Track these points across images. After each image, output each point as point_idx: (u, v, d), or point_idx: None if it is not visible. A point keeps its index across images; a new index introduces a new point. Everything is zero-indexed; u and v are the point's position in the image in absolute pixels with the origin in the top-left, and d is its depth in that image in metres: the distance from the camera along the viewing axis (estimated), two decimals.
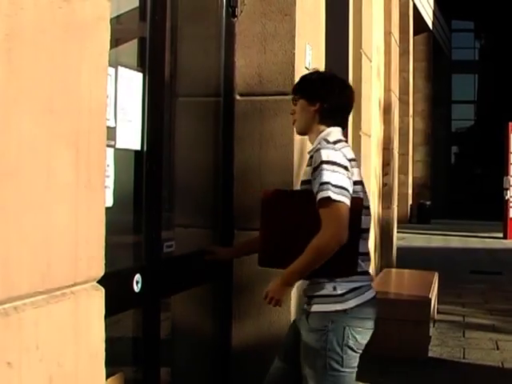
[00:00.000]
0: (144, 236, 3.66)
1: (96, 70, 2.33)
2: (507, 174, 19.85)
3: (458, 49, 36.67)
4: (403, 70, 17.89)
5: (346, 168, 3.25)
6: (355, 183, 3.33)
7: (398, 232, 12.26)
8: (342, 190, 3.19)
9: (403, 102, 18.45)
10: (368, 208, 3.54)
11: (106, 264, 2.42)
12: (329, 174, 3.19)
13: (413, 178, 24.77)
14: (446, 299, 9.43)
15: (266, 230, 3.47)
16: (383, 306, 7.06)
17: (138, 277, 3.49)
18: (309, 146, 4.77)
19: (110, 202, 3.15)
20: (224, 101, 4.60)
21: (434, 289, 8.16)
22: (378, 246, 10.00)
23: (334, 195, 3.16)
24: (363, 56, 7.90)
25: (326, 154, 3.24)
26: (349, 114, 3.66)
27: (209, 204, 4.60)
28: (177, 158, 4.60)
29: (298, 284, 4.59)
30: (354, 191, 3.29)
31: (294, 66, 4.48)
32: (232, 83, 4.62)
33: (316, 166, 3.25)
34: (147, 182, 3.64)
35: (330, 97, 3.47)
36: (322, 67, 5.45)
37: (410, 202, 24.08)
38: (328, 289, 3.34)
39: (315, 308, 3.39)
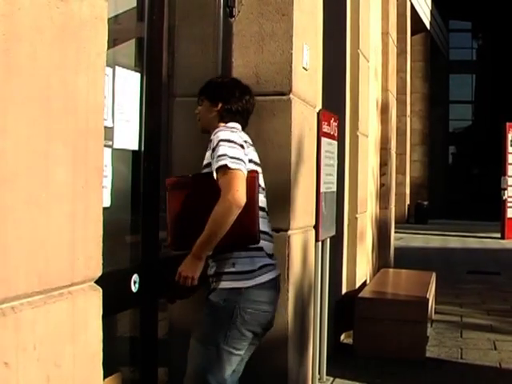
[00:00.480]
0: (141, 236, 3.66)
1: (93, 70, 2.33)
2: (505, 174, 19.86)
3: (456, 49, 36.68)
4: (401, 70, 17.87)
5: (241, 146, 3.48)
6: (250, 161, 3.55)
7: (395, 232, 12.26)
8: (239, 161, 3.39)
9: (401, 101, 18.44)
10: (264, 189, 3.75)
11: (103, 264, 2.42)
12: (226, 148, 3.41)
13: (410, 178, 24.78)
14: (443, 299, 9.43)
15: (172, 215, 3.56)
16: (380, 307, 7.11)
17: (135, 277, 3.49)
18: (306, 146, 4.78)
19: (107, 202, 3.15)
20: None
21: (432, 289, 8.16)
22: (375, 246, 10.00)
23: (230, 163, 3.35)
24: (361, 56, 7.90)
25: (223, 135, 3.48)
26: (248, 116, 3.84)
27: None
28: (174, 157, 4.60)
29: (296, 285, 4.59)
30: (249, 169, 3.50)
31: (291, 66, 4.48)
32: None
33: (214, 147, 3.46)
34: (145, 182, 3.64)
35: (230, 99, 3.72)
36: (319, 67, 5.46)
37: (407, 202, 24.09)
38: (227, 265, 3.50)
39: (215, 285, 3.54)
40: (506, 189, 19.86)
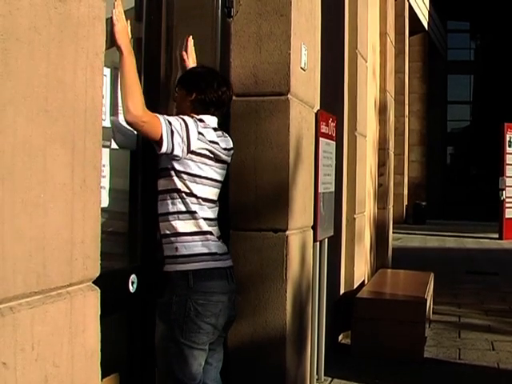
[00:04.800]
0: (139, 236, 3.66)
1: (91, 70, 2.33)
2: (503, 174, 19.86)
3: (454, 49, 36.67)
4: (399, 70, 17.90)
5: (188, 127, 3.49)
6: (200, 155, 3.55)
7: (393, 232, 12.26)
8: (170, 127, 3.42)
9: (399, 102, 18.46)
10: (214, 181, 3.70)
11: (101, 264, 2.42)
12: (173, 118, 3.49)
13: (408, 178, 24.77)
14: (441, 300, 9.43)
15: None
16: (379, 307, 7.11)
17: (133, 277, 3.50)
18: (304, 147, 4.78)
19: (105, 203, 3.15)
20: None
21: (430, 289, 8.16)
22: (373, 246, 10.01)
23: (160, 117, 3.43)
24: (359, 56, 7.90)
25: (182, 116, 3.55)
26: (223, 108, 3.85)
27: None
28: None
29: (294, 286, 4.59)
30: (198, 162, 3.54)
31: (289, 67, 4.48)
32: None
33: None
34: (143, 182, 3.64)
35: (205, 90, 3.69)
36: (317, 67, 5.46)
37: (405, 202, 24.08)
38: (171, 250, 3.54)
39: (165, 268, 3.58)
40: (504, 189, 19.85)
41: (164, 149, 3.43)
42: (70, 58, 2.20)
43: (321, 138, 5.44)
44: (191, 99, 3.69)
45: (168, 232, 3.55)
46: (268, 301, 4.43)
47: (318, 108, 5.54)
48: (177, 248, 3.53)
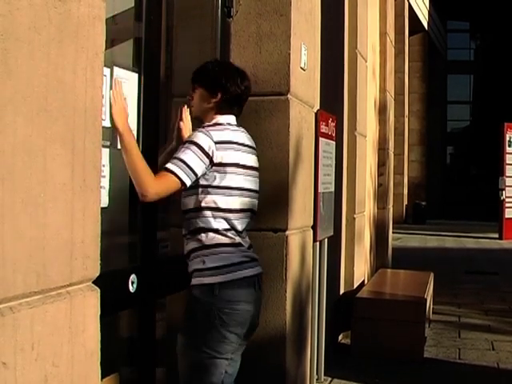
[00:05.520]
0: (139, 236, 3.66)
1: (91, 70, 2.33)
2: (503, 174, 19.86)
3: (454, 49, 36.69)
4: (399, 70, 17.90)
5: (203, 150, 3.37)
6: (225, 165, 3.43)
7: (393, 232, 12.27)
8: (184, 166, 3.33)
9: (398, 102, 18.46)
10: (245, 190, 3.56)
11: (101, 264, 2.42)
12: (182, 151, 3.37)
13: (408, 178, 24.78)
14: (441, 299, 9.43)
15: None
16: (378, 307, 7.11)
17: (133, 277, 3.49)
18: (304, 147, 4.78)
19: (105, 203, 3.15)
20: None
21: (430, 289, 8.16)
22: (373, 246, 10.01)
23: (171, 166, 3.33)
24: (358, 56, 7.90)
25: (198, 136, 3.40)
26: (245, 103, 3.71)
27: None
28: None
29: (294, 286, 4.59)
30: (223, 172, 3.42)
31: (289, 67, 4.48)
32: None
33: (184, 141, 3.47)
34: None
35: (230, 87, 3.56)
36: (317, 67, 5.46)
37: (405, 202, 24.09)
38: (198, 263, 3.45)
39: (192, 282, 3.49)
40: (503, 189, 19.86)
41: (190, 183, 3.38)
42: (70, 58, 2.20)
43: (321, 138, 5.44)
44: (216, 100, 3.56)
45: (196, 247, 3.46)
46: (268, 301, 4.43)
47: (318, 108, 5.54)
48: (204, 261, 3.43)
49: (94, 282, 2.39)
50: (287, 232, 4.48)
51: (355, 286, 7.88)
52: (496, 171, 20.58)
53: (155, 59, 3.75)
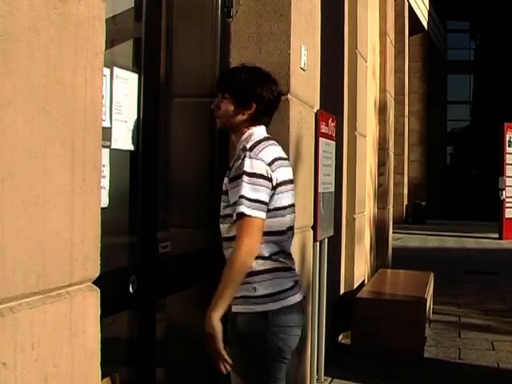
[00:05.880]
0: (139, 236, 3.66)
1: (91, 71, 2.33)
2: (503, 174, 19.86)
3: (454, 49, 36.69)
4: (398, 70, 17.90)
5: (264, 177, 3.18)
6: (279, 184, 3.27)
7: (393, 232, 12.27)
8: (259, 205, 3.15)
9: (398, 102, 18.46)
10: (290, 206, 3.43)
11: (101, 264, 2.42)
12: (246, 188, 3.14)
13: (408, 178, 24.77)
14: (441, 299, 9.43)
15: None
16: (378, 307, 7.11)
17: (133, 277, 3.49)
18: (304, 147, 4.78)
19: (105, 203, 3.15)
20: None
21: (430, 289, 8.16)
22: (373, 246, 10.01)
23: (248, 210, 3.12)
24: (358, 56, 7.90)
25: (248, 165, 3.16)
26: (276, 110, 3.51)
27: (204, 204, 4.60)
28: (172, 158, 4.59)
29: None
30: (278, 193, 3.26)
31: (289, 67, 4.48)
32: None
33: (235, 176, 3.19)
34: (142, 182, 3.64)
35: (264, 98, 3.35)
36: (317, 67, 5.46)
37: (405, 202, 24.09)
38: (249, 290, 3.26)
39: (237, 309, 3.30)
40: (503, 189, 19.86)
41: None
42: (70, 59, 2.20)
43: (321, 138, 5.45)
44: (250, 112, 3.33)
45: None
46: None
47: (318, 108, 5.54)
48: (255, 288, 3.24)
49: (94, 283, 2.39)
50: None
51: (355, 286, 7.88)
52: (496, 171, 20.58)
53: (155, 59, 3.74)
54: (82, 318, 2.30)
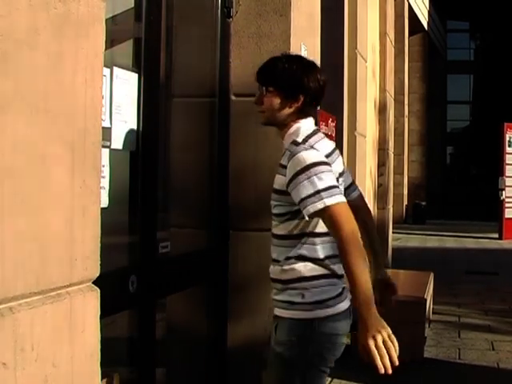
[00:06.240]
0: (139, 236, 3.66)
1: (91, 71, 2.33)
2: (502, 174, 19.85)
3: (454, 49, 36.68)
4: (398, 70, 17.90)
5: (324, 163, 2.98)
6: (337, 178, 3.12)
7: (393, 232, 12.28)
8: (332, 190, 2.93)
9: (398, 102, 18.46)
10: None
11: (101, 264, 2.42)
12: (315, 181, 2.92)
13: (408, 178, 24.76)
14: (441, 299, 9.42)
15: None
16: (378, 307, 7.10)
17: (133, 277, 3.49)
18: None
19: (105, 203, 3.15)
20: (219, 101, 4.60)
21: (430, 289, 8.16)
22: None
23: (328, 201, 2.91)
24: (358, 56, 7.91)
25: (303, 159, 2.96)
26: (322, 99, 3.34)
27: (204, 204, 4.60)
28: (172, 158, 4.60)
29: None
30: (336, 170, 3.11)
31: None
32: (227, 83, 4.62)
33: (295, 174, 2.97)
34: (142, 182, 3.64)
35: (311, 88, 3.16)
36: None
37: (405, 202, 24.07)
38: (296, 296, 3.10)
39: (280, 313, 3.17)
40: (503, 189, 19.83)
41: None
42: (70, 59, 2.20)
43: None
44: (297, 105, 3.13)
45: (292, 278, 3.09)
46: (268, 301, 4.41)
47: (318, 108, 5.54)
48: (303, 295, 3.07)
49: (94, 283, 2.39)
50: None
51: None
52: (496, 171, 20.57)
53: (155, 59, 3.74)
54: (82, 318, 2.30)
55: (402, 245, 16.50)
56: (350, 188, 3.42)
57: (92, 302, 2.37)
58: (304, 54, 4.76)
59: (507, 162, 19.81)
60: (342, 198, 2.97)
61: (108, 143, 3.27)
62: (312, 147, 3.03)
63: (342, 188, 3.14)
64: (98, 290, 2.40)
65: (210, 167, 4.61)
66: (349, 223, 2.92)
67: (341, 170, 3.23)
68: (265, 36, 4.52)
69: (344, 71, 7.60)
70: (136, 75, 3.56)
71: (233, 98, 4.62)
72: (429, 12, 26.95)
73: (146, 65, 3.63)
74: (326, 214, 2.94)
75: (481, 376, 6.33)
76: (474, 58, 38.48)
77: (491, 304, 9.66)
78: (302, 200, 2.94)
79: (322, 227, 3.07)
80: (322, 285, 3.10)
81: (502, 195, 19.89)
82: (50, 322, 2.12)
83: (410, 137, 25.49)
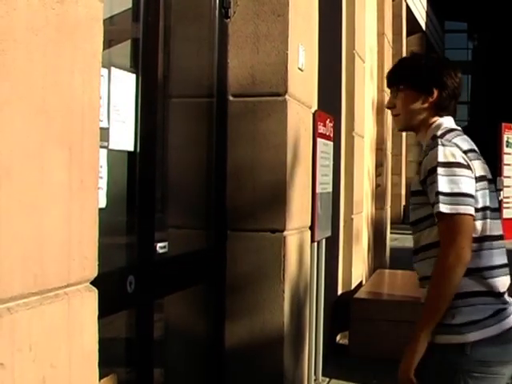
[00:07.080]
0: (137, 237, 3.66)
1: (89, 71, 2.33)
2: (500, 174, 19.87)
3: (451, 50, 36.72)
4: None
5: (462, 165, 2.73)
6: (480, 179, 2.81)
7: (390, 233, 12.26)
8: (459, 198, 2.68)
9: None
10: (495, 210, 2.91)
11: (99, 265, 2.41)
12: (442, 182, 2.70)
13: (406, 178, 24.75)
14: None
15: None
16: (376, 307, 7.11)
17: (131, 278, 3.49)
18: (302, 147, 4.78)
19: (103, 203, 3.14)
20: (217, 101, 4.60)
21: None
22: (371, 246, 10.01)
23: (444, 207, 2.68)
24: (356, 57, 7.91)
25: (439, 155, 2.73)
26: (458, 98, 3.08)
27: (202, 205, 4.60)
28: (170, 158, 4.59)
29: (292, 286, 4.59)
30: (480, 189, 2.80)
31: (286, 67, 4.48)
32: (225, 84, 4.62)
33: (431, 170, 2.75)
34: (140, 182, 3.64)
35: (447, 82, 2.95)
36: (315, 68, 5.46)
37: (403, 202, 24.07)
38: (446, 317, 2.76)
39: (436, 339, 2.81)
40: (501, 190, 19.85)
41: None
42: (68, 59, 2.20)
43: (318, 139, 5.45)
44: (432, 100, 2.94)
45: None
46: (265, 301, 4.43)
47: (316, 108, 5.54)
48: (453, 315, 2.75)
49: (91, 283, 2.39)
50: (285, 232, 4.48)
51: (353, 287, 7.88)
52: (494, 171, 20.58)
53: (153, 60, 3.74)
54: (80, 319, 2.29)
55: (399, 245, 16.48)
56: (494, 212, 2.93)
57: (90, 302, 2.37)
58: (302, 54, 4.76)
59: (505, 162, 19.84)
60: (465, 210, 2.69)
61: (106, 143, 3.27)
62: (451, 142, 2.80)
63: (483, 193, 2.83)
64: (96, 291, 2.40)
65: (207, 168, 4.61)
66: (456, 248, 2.67)
67: (482, 174, 2.87)
68: (262, 36, 4.52)
69: (342, 72, 7.60)
70: (134, 76, 3.56)
71: (230, 98, 4.62)
72: (427, 12, 26.96)
73: (144, 65, 3.63)
74: (440, 222, 2.74)
75: None
76: (471, 59, 38.53)
77: None
78: (436, 195, 2.72)
79: (483, 230, 2.80)
80: (475, 303, 2.78)
81: (500, 196, 19.90)
82: (48, 322, 2.12)
83: (408, 137, 25.48)
